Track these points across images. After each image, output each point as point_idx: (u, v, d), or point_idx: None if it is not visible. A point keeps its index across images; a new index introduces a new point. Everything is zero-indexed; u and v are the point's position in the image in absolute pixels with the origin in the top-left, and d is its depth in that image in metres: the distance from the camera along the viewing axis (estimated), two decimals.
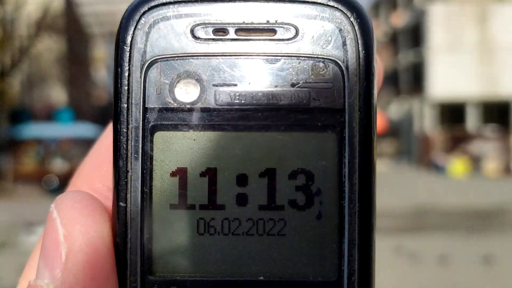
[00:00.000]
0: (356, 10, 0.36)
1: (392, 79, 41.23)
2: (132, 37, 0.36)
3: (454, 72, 32.39)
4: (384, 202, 13.65)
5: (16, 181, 17.72)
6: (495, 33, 32.34)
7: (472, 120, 33.22)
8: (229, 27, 0.36)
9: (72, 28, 20.70)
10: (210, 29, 0.36)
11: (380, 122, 26.58)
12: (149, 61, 0.36)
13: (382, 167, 24.99)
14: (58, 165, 17.71)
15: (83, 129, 18.25)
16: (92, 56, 35.49)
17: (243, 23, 0.36)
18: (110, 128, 0.38)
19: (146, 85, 0.36)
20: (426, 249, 8.41)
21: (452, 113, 40.74)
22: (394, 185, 17.67)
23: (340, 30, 0.36)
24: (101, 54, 38.94)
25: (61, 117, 17.95)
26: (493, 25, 32.39)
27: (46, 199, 16.41)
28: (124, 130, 0.36)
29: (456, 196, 14.82)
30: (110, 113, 0.35)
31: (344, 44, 0.36)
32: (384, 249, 8.42)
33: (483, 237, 9.28)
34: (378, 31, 45.01)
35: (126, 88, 0.36)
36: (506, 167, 21.40)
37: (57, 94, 25.75)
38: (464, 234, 9.56)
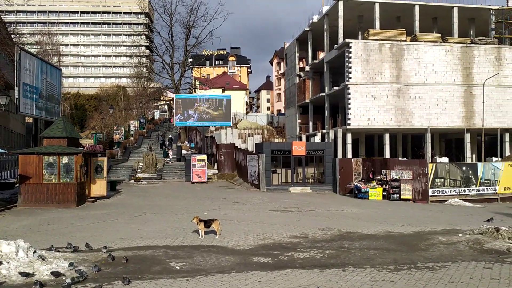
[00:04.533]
0: None
1: (316, 110, 41.06)
2: None
3: (373, 104, 32.67)
4: (306, 228, 12.08)
5: None
6: (408, 69, 33.22)
7: (389, 149, 33.54)
8: None
9: None
10: None
11: (301, 150, 25.70)
12: None
13: (306, 194, 23.79)
14: None
15: None
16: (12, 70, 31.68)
17: None
18: None
19: None
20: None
21: (371, 142, 41.15)
22: (317, 212, 16.36)
23: None
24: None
25: None
26: (407, 61, 33.27)
27: None
28: None
29: (376, 222, 13.69)
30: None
31: None
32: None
33: (405, 271, 7.88)
34: (304, 66, 45.01)
35: None
36: (423, 193, 20.97)
37: None
38: (386, 268, 8.12)
